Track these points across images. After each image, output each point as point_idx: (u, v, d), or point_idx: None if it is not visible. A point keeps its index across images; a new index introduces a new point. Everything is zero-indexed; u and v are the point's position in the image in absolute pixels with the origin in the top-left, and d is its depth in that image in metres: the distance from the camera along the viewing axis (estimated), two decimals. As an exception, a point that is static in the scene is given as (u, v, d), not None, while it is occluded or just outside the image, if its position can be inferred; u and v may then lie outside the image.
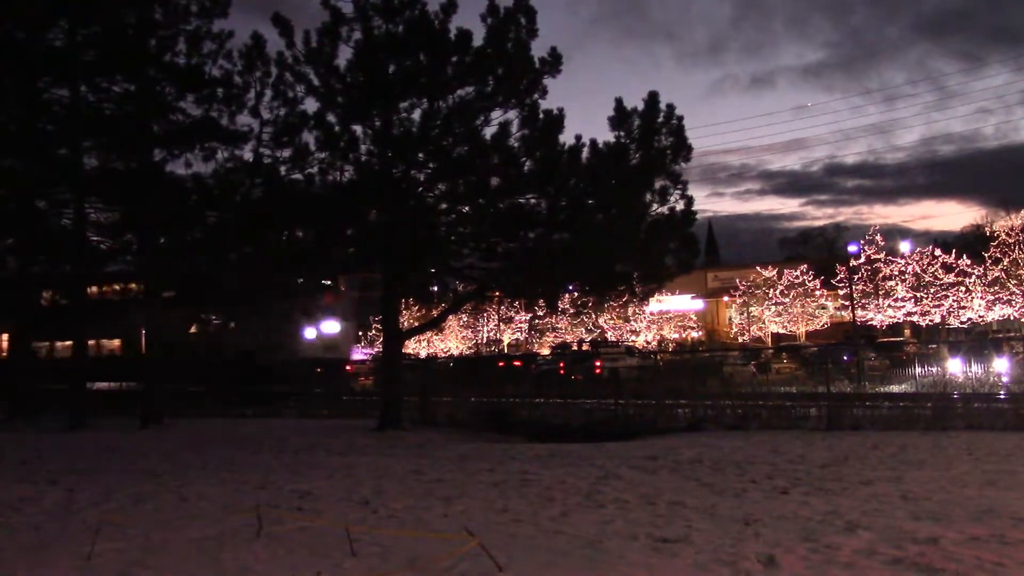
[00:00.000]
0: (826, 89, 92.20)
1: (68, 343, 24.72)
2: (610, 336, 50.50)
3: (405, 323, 39.38)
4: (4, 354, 31.02)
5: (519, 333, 55.96)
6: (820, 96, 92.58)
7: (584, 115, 50.52)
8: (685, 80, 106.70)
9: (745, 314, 49.26)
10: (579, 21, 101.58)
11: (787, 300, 46.75)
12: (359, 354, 45.72)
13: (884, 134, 77.18)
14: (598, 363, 29.69)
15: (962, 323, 41.93)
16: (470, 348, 57.07)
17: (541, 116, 15.84)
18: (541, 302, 25.74)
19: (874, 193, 74.89)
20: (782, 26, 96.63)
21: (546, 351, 48.96)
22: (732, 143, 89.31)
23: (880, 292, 42.61)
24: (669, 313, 51.13)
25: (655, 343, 50.16)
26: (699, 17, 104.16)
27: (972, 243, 48.48)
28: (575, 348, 48.66)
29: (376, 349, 49.45)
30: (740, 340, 47.78)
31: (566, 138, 15.98)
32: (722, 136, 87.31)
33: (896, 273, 42.61)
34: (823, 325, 46.96)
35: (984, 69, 78.49)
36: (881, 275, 42.79)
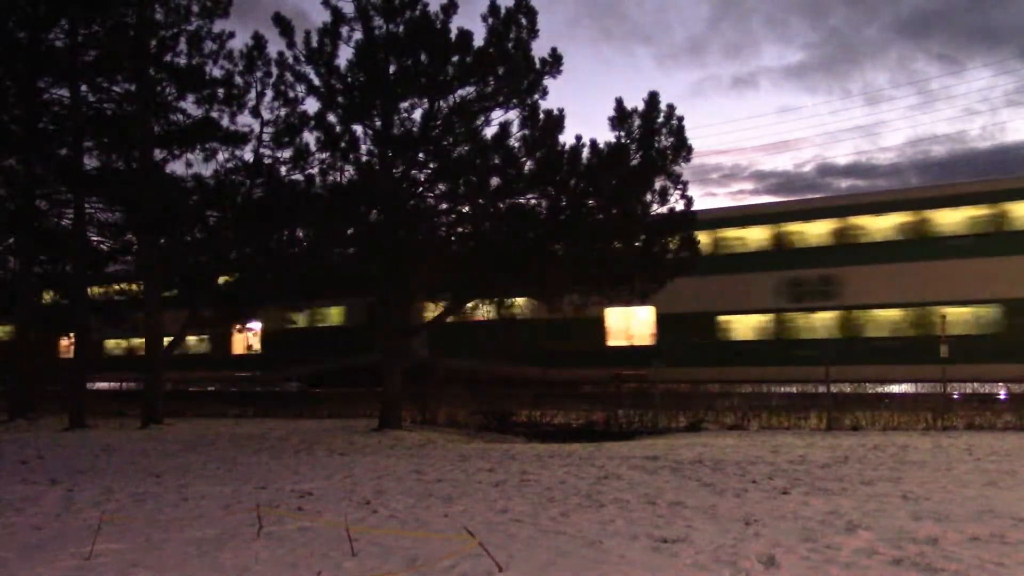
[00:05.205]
0: (809, 90, 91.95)
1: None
2: None
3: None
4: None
5: None
6: (803, 97, 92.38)
7: (568, 116, 50.38)
8: (666, 81, 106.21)
9: None
10: (556, 22, 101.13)
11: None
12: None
13: (873, 136, 77.17)
14: None
15: None
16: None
17: (541, 116, 15.85)
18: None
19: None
20: (761, 27, 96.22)
21: None
22: (720, 144, 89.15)
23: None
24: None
25: None
26: (677, 18, 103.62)
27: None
28: None
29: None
30: None
31: (566, 138, 16.02)
32: (708, 139, 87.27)
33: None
34: None
35: (967, 71, 78.26)
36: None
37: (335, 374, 28.22)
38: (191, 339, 31.64)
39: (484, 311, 20.96)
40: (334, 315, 31.27)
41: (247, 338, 32.84)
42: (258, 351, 32.97)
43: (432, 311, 25.77)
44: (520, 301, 19.77)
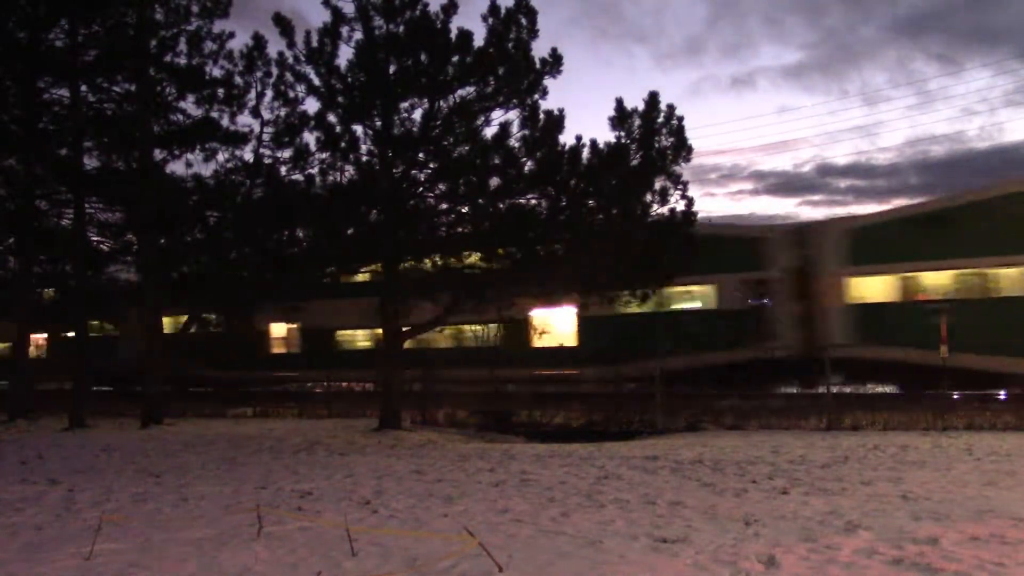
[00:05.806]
0: (807, 90, 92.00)
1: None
2: None
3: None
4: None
5: None
6: (801, 97, 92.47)
7: (567, 116, 50.27)
8: (665, 81, 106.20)
9: None
10: (555, 22, 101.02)
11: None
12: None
13: (872, 136, 77.49)
14: None
15: None
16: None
17: (542, 116, 15.84)
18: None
19: (867, 193, 74.84)
20: (758, 27, 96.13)
21: None
22: (719, 144, 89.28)
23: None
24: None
25: None
26: (675, 18, 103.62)
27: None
28: None
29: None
30: None
31: (566, 138, 16.01)
32: (707, 139, 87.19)
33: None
34: None
35: (965, 71, 78.43)
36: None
37: (700, 372, 21.89)
38: (471, 329, 25.66)
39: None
40: (696, 295, 23.97)
41: (544, 327, 26.33)
42: (567, 344, 25.72)
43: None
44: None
